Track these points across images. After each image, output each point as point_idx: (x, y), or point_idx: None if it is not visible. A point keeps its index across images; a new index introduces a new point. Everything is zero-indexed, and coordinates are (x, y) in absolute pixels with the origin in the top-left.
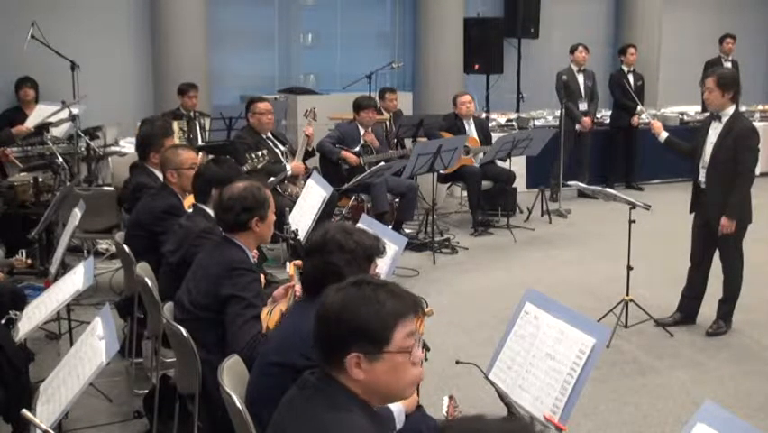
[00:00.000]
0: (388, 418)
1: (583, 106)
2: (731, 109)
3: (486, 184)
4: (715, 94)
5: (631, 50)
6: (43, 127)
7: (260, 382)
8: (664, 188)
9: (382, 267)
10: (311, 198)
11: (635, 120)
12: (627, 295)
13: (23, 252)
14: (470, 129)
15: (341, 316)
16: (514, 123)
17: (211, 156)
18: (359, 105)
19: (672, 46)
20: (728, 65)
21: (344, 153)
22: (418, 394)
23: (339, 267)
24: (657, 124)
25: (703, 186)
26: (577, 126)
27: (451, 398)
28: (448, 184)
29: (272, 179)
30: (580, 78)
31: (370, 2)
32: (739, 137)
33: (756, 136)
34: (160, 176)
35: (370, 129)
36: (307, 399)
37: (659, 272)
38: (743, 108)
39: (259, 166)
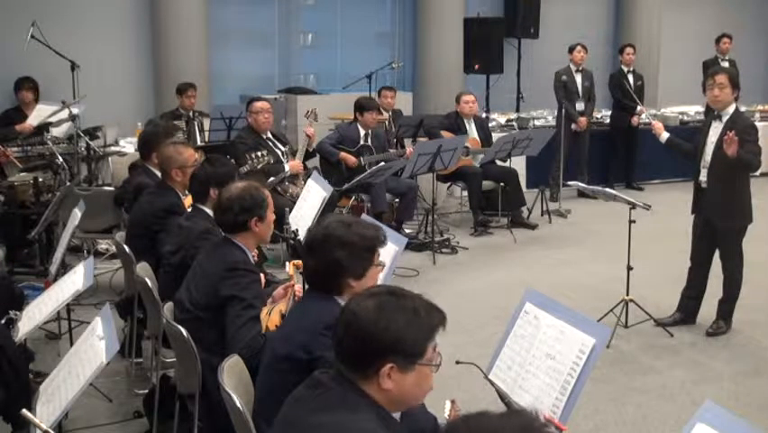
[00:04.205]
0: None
1: (580, 106)
2: (731, 108)
3: (487, 184)
4: (727, 90)
5: (628, 49)
6: (43, 127)
7: (267, 378)
8: (664, 188)
9: (386, 258)
10: (311, 198)
11: (634, 120)
12: (627, 295)
13: None
14: (471, 129)
15: (377, 326)
16: (514, 123)
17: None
18: (362, 107)
19: (672, 46)
20: (725, 65)
21: (343, 155)
22: None
23: (340, 261)
24: (658, 125)
25: (704, 186)
26: (573, 126)
27: (453, 402)
28: (448, 184)
29: (272, 179)
30: (578, 78)
31: (370, 2)
32: (740, 133)
33: (756, 132)
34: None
35: (370, 130)
36: (317, 399)
37: (659, 272)
38: (742, 108)
39: (259, 166)
